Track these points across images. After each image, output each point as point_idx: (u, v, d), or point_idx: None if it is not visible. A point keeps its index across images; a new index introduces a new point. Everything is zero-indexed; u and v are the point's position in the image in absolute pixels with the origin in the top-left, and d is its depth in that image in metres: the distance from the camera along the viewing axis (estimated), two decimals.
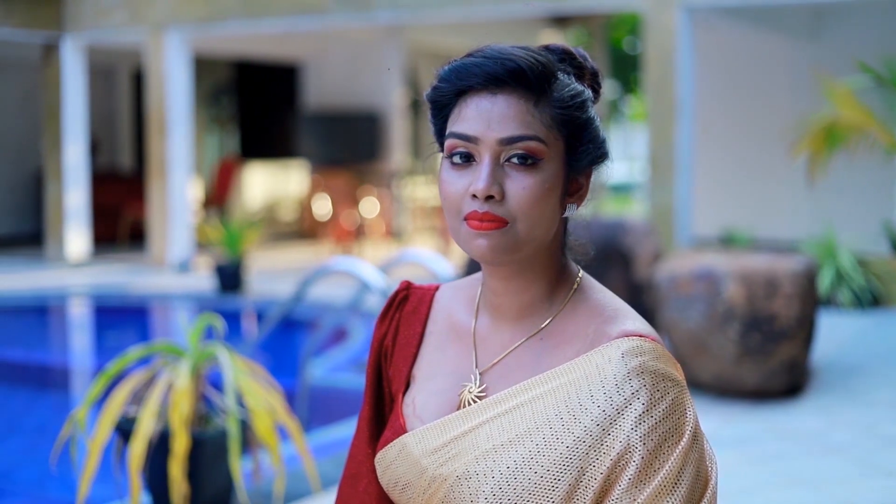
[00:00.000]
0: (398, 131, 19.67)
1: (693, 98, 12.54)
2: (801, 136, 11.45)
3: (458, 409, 1.75)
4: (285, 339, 10.77)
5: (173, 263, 15.62)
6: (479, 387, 1.75)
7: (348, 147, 19.58)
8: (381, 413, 1.94)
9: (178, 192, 15.93)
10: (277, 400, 5.01)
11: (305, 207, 19.96)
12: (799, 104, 15.40)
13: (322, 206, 19.10)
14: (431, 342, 1.88)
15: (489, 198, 1.61)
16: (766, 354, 7.58)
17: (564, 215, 1.73)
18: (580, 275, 1.79)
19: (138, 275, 15.01)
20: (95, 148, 19.16)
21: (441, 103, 1.72)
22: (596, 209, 20.32)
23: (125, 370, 5.11)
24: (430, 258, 6.89)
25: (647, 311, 8.42)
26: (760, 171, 17.45)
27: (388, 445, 1.80)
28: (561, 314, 1.74)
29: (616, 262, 8.70)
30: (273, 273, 14.55)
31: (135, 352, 5.11)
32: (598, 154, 1.74)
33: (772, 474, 6.09)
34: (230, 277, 13.10)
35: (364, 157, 19.63)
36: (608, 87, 27.56)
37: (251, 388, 4.93)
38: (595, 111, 1.74)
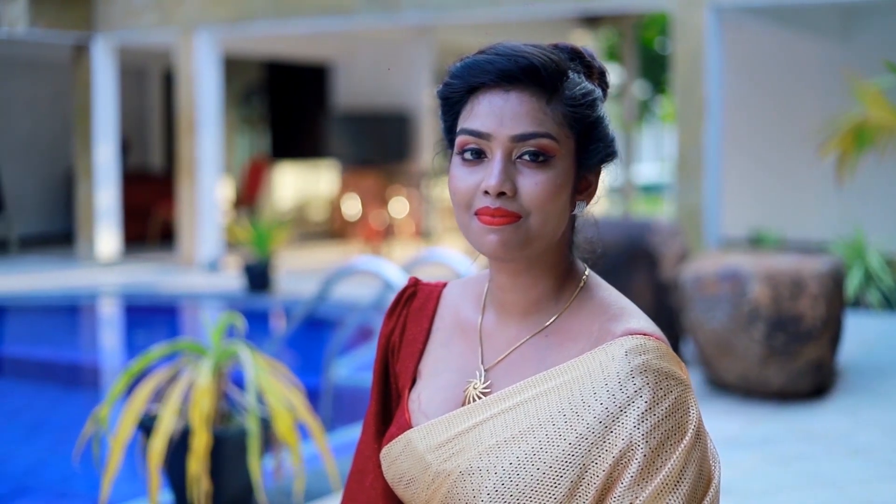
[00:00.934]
0: (427, 131, 19.67)
1: (721, 98, 12.49)
2: (830, 137, 11.37)
3: (463, 405, 1.76)
4: (311, 337, 10.80)
5: (202, 263, 15.68)
6: (484, 383, 1.76)
7: (378, 147, 19.59)
8: (387, 409, 1.95)
9: (207, 192, 15.97)
10: (299, 399, 5.03)
11: (335, 207, 20.00)
12: (828, 104, 15.32)
13: (351, 206, 19.14)
14: (438, 338, 1.90)
15: (501, 194, 1.63)
16: (791, 355, 7.55)
17: (574, 213, 1.73)
18: (586, 273, 1.80)
19: (168, 274, 15.07)
20: (126, 148, 19.26)
21: (452, 100, 1.73)
22: (625, 209, 20.27)
23: (148, 368, 5.15)
24: (454, 258, 6.90)
25: (672, 311, 8.40)
26: (789, 172, 17.36)
27: (394, 441, 1.81)
28: (567, 312, 1.75)
29: (642, 263, 8.66)
30: (302, 272, 14.57)
31: (157, 350, 5.14)
32: (608, 153, 1.75)
33: (795, 475, 6.07)
34: (259, 277, 13.15)
35: (393, 158, 19.64)
36: (640, 88, 27.48)
37: (272, 387, 4.95)
38: (604, 110, 1.75)
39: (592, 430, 1.59)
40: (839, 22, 16.45)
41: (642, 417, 1.58)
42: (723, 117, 12.74)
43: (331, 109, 20.74)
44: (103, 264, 16.17)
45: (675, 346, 8.63)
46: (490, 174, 1.63)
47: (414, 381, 1.89)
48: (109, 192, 16.75)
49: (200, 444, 4.68)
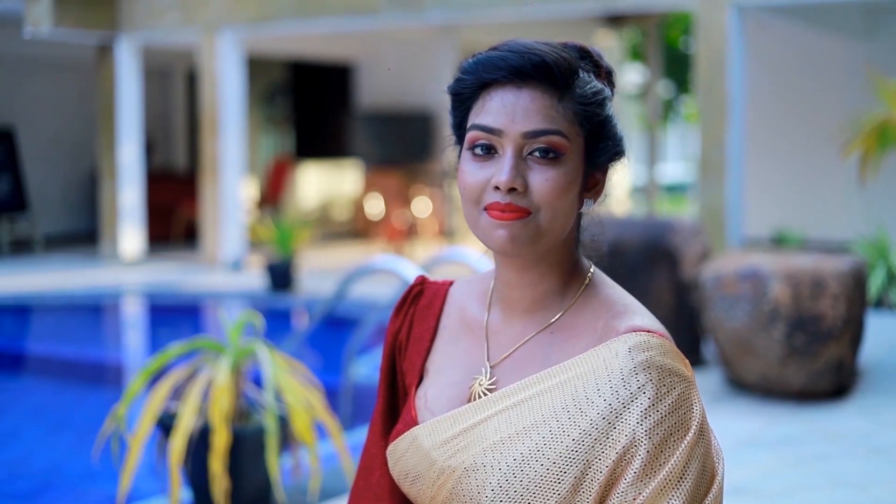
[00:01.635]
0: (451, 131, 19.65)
1: (744, 97, 12.45)
2: (853, 136, 11.34)
3: (469, 401, 1.77)
4: (332, 336, 10.83)
5: (226, 262, 15.72)
6: (489, 380, 1.77)
7: (401, 146, 19.63)
8: (394, 407, 1.97)
9: (230, 192, 16.01)
10: (317, 397, 5.05)
11: (358, 207, 20.05)
12: (851, 103, 15.24)
13: (375, 206, 19.19)
14: (445, 336, 1.91)
15: (512, 190, 1.64)
16: (811, 355, 7.52)
17: (581, 210, 1.75)
18: (592, 270, 1.81)
19: (191, 273, 15.12)
20: (150, 148, 19.29)
21: (464, 95, 1.75)
22: (649, 209, 20.21)
23: (167, 366, 5.17)
24: (474, 257, 6.90)
25: (692, 310, 8.39)
26: (812, 171, 17.31)
27: (400, 437, 1.83)
28: (572, 309, 1.76)
29: (663, 262, 8.64)
30: (325, 272, 14.60)
31: (175, 348, 5.17)
32: (616, 151, 1.77)
33: (815, 475, 6.05)
34: (281, 276, 13.21)
35: (417, 157, 19.68)
36: (664, 87, 27.40)
37: (290, 385, 4.97)
38: (612, 109, 1.76)
39: (596, 427, 1.60)
40: (862, 20, 16.38)
41: (645, 414, 1.59)
42: (745, 116, 12.70)
43: (354, 109, 20.78)
44: (127, 263, 16.24)
45: (696, 346, 8.63)
46: (501, 170, 1.64)
47: (421, 379, 1.90)
48: (133, 191, 16.79)
49: (221, 442, 4.70)
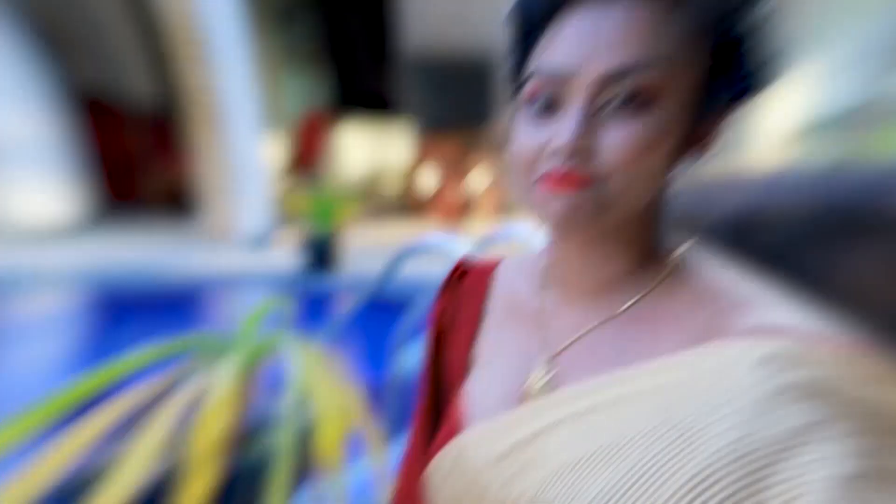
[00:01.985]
0: None
1: None
2: None
3: (523, 401, 1.70)
4: (379, 323, 10.77)
5: (235, 237, 15.48)
6: (547, 375, 1.69)
7: (458, 104, 19.36)
8: (439, 411, 1.96)
9: (244, 148, 15.31)
10: (356, 401, 4.73)
11: (410, 179, 20.01)
12: None
13: (428, 179, 19.20)
14: (492, 321, 1.87)
15: (575, 154, 1.50)
16: None
17: (675, 171, 1.58)
18: (685, 247, 1.67)
19: (181, 250, 14.56)
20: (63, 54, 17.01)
21: (530, 23, 1.56)
22: (853, 149, 19.02)
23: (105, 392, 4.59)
24: (534, 234, 6.90)
25: None
26: None
27: (442, 452, 1.75)
28: (653, 294, 1.64)
29: (873, 234, 8.18)
30: (372, 251, 14.53)
31: (124, 363, 4.23)
32: (752, 83, 1.55)
33: None
34: (320, 255, 13.18)
35: (476, 117, 19.41)
36: None
37: (321, 388, 4.63)
38: (775, 3, 1.51)
39: (730, 473, 1.41)
40: None
41: (831, 466, 1.36)
42: None
43: (400, 52, 20.45)
44: (28, 236, 14.79)
45: None
46: (564, 127, 1.50)
47: (466, 373, 1.86)
48: (21, 120, 14.47)
49: (200, 486, 3.97)
